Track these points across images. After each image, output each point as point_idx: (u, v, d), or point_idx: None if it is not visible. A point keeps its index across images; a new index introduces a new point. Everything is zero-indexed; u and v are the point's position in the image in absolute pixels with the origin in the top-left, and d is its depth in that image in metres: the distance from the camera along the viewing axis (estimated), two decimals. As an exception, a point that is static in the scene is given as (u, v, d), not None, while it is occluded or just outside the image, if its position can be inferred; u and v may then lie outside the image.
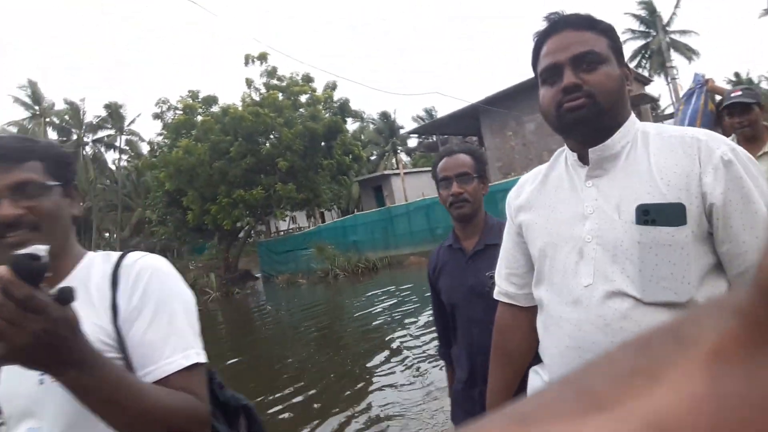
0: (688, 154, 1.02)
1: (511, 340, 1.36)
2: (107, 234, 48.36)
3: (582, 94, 1.05)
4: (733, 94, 2.67)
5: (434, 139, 25.33)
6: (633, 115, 1.13)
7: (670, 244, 0.99)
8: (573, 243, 1.10)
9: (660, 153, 1.05)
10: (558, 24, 1.10)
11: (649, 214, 1.01)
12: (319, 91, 22.40)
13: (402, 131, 42.68)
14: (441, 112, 38.55)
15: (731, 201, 0.98)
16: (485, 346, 1.49)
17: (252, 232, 24.61)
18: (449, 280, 1.84)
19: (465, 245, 1.85)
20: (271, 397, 5.22)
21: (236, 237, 23.17)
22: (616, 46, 1.11)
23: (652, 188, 1.02)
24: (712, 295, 0.93)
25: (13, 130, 40.14)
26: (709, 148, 1.01)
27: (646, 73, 35.76)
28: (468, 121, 22.14)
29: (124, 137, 42.65)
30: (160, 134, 23.20)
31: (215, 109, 22.32)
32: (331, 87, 22.79)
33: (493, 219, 1.88)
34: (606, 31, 1.10)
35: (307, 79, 22.70)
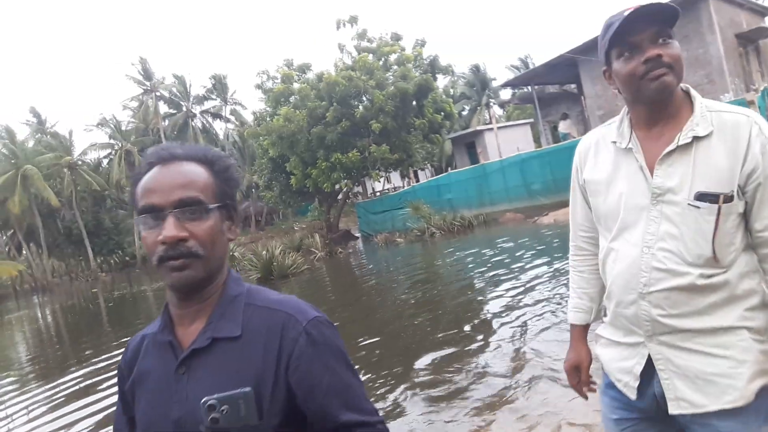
0: None
1: None
2: (218, 199, 51.92)
3: None
4: (628, 11, 1.26)
5: (529, 89, 24.49)
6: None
7: None
8: None
9: None
10: None
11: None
12: (408, 50, 22.37)
13: (494, 83, 41.52)
14: (537, 61, 36.96)
15: None
16: None
17: (350, 193, 25.52)
18: (146, 405, 1.01)
19: (180, 335, 1.00)
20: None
21: (335, 199, 24.17)
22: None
23: None
24: None
25: (134, 105, 43.78)
26: None
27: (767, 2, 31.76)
28: (566, 69, 21.17)
29: (228, 107, 45.16)
30: (262, 102, 24.39)
31: (310, 75, 23.06)
32: (420, 44, 22.65)
33: (237, 286, 1.03)
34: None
35: (396, 37, 22.72)
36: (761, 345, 1.27)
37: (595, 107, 20.27)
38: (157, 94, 43.16)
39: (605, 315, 1.49)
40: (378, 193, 29.61)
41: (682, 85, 1.33)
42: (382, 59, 21.78)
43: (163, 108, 44.12)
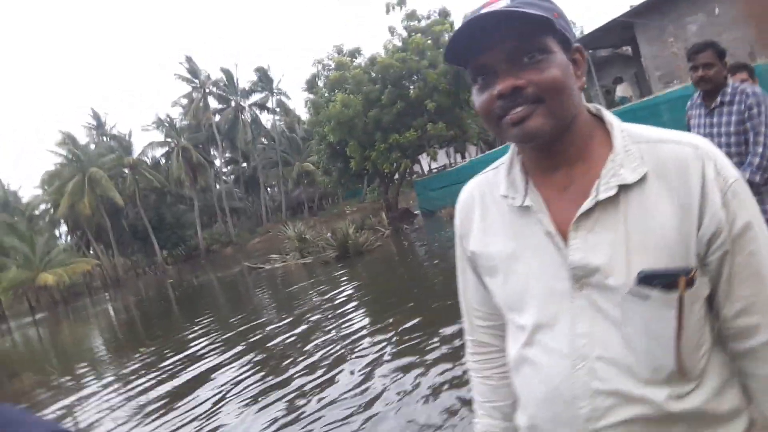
0: None
1: None
2: (269, 189, 53.51)
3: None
4: (474, 13, 0.86)
5: (580, 56, 24.25)
6: None
7: None
8: None
9: None
10: None
11: None
12: (457, 25, 22.50)
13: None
14: (584, 23, 36.31)
15: None
16: None
17: (407, 172, 26.03)
18: None
19: None
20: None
21: (392, 178, 24.72)
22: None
23: None
24: None
25: (185, 102, 45.33)
26: None
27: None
28: (620, 32, 20.93)
29: (274, 98, 46.18)
30: (313, 93, 24.98)
31: (360, 60, 23.52)
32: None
33: None
34: None
35: (444, 13, 22.91)
36: None
37: (653, 68, 20.07)
38: (206, 90, 44.52)
39: None
40: (435, 170, 30.04)
41: (590, 106, 0.89)
42: (433, 38, 22.03)
43: (213, 103, 45.52)
